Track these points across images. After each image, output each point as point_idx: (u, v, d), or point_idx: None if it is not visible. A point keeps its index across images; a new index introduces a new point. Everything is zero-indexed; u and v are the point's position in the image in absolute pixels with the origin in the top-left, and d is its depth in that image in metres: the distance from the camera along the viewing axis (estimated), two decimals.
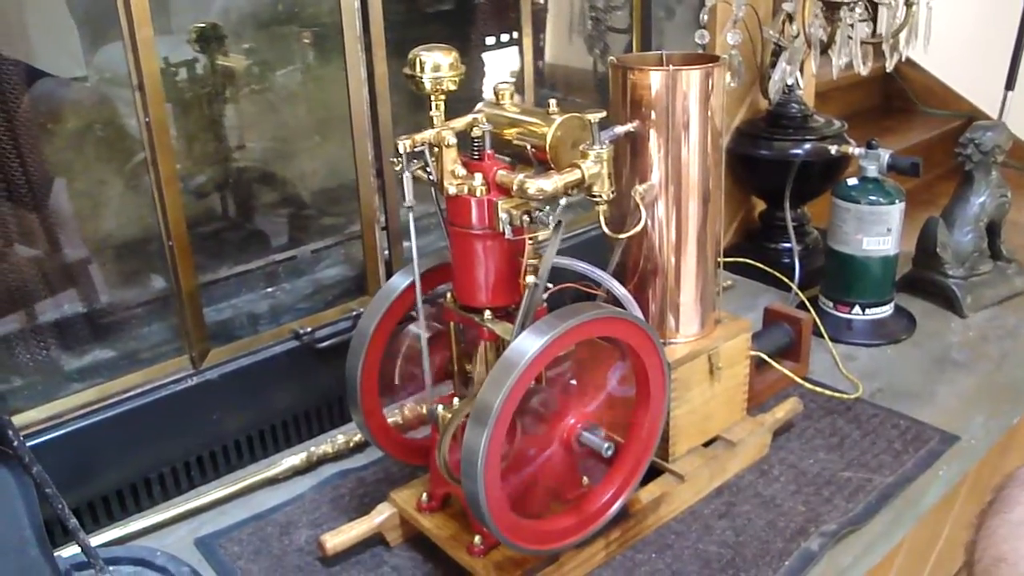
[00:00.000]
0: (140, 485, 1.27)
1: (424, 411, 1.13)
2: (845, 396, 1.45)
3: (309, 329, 1.38)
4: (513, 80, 1.64)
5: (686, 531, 1.19)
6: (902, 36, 1.66)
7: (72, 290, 1.34)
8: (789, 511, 1.21)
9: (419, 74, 1.01)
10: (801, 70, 1.77)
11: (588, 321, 0.97)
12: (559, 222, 0.96)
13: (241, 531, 1.23)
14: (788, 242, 1.81)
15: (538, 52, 1.97)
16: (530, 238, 0.98)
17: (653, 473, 1.23)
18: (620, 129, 1.14)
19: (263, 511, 1.26)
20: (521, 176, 0.96)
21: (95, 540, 1.19)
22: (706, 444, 1.28)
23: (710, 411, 1.26)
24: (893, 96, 3.34)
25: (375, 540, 1.18)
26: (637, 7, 1.70)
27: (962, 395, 1.47)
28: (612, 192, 0.99)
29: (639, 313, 1.12)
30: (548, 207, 0.96)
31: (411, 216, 1.02)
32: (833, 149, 1.66)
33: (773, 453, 1.33)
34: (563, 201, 0.97)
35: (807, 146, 1.75)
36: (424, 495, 1.15)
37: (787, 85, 1.76)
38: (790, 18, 1.70)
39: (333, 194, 1.54)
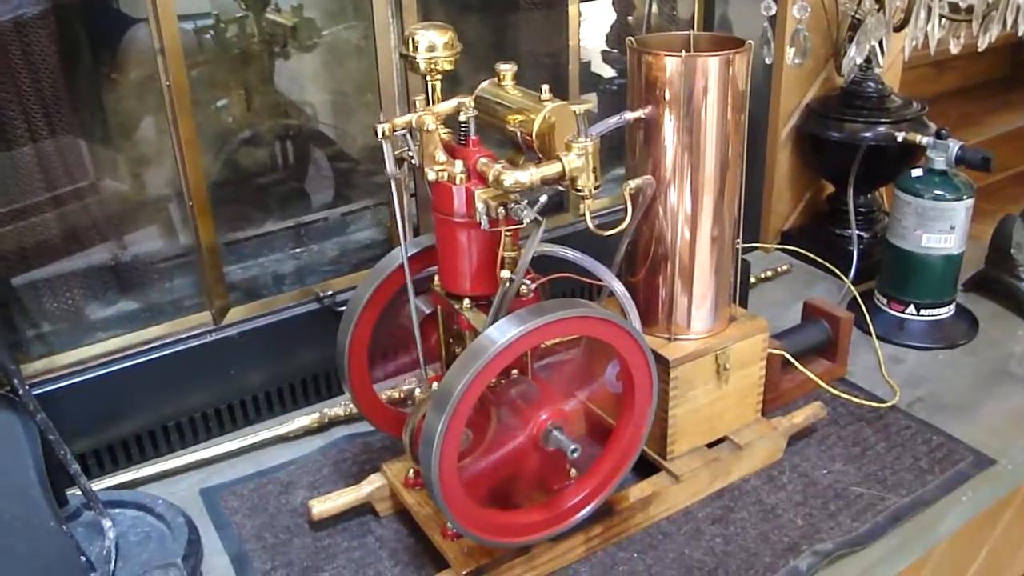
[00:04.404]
0: (158, 432, 1.32)
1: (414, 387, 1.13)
2: (877, 404, 1.37)
3: (330, 292, 1.39)
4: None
5: (675, 533, 1.16)
6: (995, 15, 1.51)
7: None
8: (787, 524, 1.16)
9: (413, 54, 0.98)
10: (882, 46, 1.64)
11: (563, 319, 0.94)
12: (537, 219, 0.92)
13: (244, 486, 1.27)
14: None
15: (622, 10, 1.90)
16: (508, 230, 0.95)
17: (651, 469, 1.20)
18: (630, 115, 1.08)
19: (268, 468, 1.30)
20: (498, 166, 0.92)
21: (110, 482, 1.26)
22: (713, 444, 1.24)
23: (717, 411, 1.21)
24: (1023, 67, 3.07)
25: (365, 509, 1.20)
26: None
27: (1011, 413, 1.36)
28: (598, 186, 0.94)
29: (634, 310, 1.08)
30: (526, 200, 0.93)
31: (394, 188, 1.01)
32: (900, 136, 1.54)
33: (787, 459, 1.27)
34: (543, 197, 0.93)
35: (880, 129, 1.63)
36: (411, 471, 1.16)
37: (864, 62, 1.64)
38: None
39: (370, 157, 1.54)
